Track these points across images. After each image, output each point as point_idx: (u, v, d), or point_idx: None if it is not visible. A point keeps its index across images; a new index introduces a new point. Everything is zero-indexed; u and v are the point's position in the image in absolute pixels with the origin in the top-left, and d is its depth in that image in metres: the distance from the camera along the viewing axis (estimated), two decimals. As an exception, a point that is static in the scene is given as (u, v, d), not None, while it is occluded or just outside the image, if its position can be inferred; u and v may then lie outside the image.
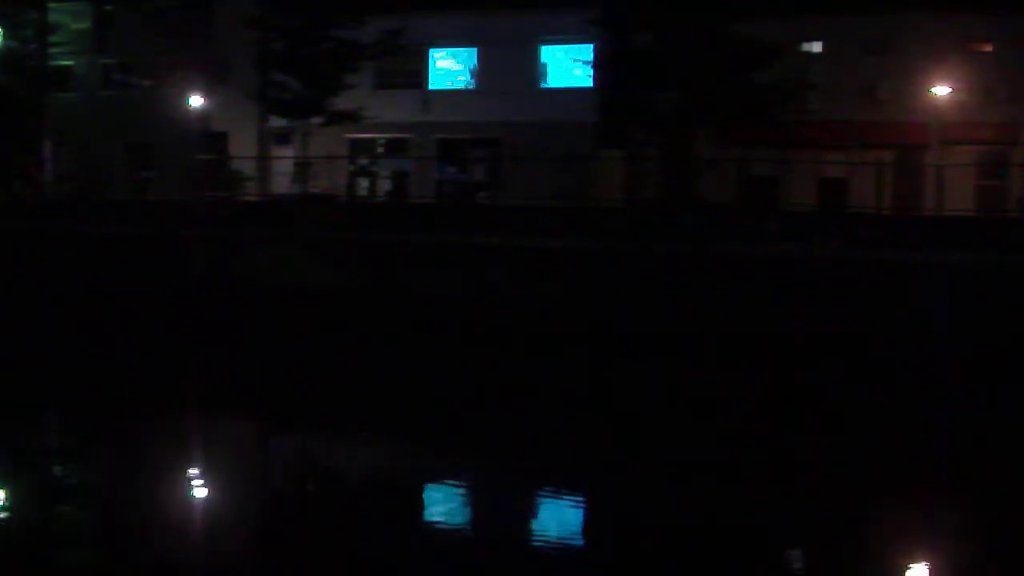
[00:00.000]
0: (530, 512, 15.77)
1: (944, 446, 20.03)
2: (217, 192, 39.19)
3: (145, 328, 29.56)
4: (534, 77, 43.11)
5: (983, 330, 23.92)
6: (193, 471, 17.56)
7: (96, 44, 47.51)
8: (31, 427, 20.47)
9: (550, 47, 43.03)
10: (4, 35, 44.87)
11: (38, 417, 21.53)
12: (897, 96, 39.72)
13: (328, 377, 24.96)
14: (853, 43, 40.35)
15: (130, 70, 47.43)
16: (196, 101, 42.52)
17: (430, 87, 44.42)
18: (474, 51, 44.01)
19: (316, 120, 38.96)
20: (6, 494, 15.97)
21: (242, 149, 43.98)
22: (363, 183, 45.53)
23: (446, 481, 17.38)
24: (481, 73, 43.98)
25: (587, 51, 40.68)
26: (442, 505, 16.08)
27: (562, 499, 16.60)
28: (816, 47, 41.62)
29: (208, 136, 43.61)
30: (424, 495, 16.68)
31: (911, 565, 13.92)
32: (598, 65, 39.23)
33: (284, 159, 43.33)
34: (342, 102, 38.47)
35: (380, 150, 45.42)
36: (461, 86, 44.56)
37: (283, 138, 43.78)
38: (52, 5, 46.60)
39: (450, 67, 44.65)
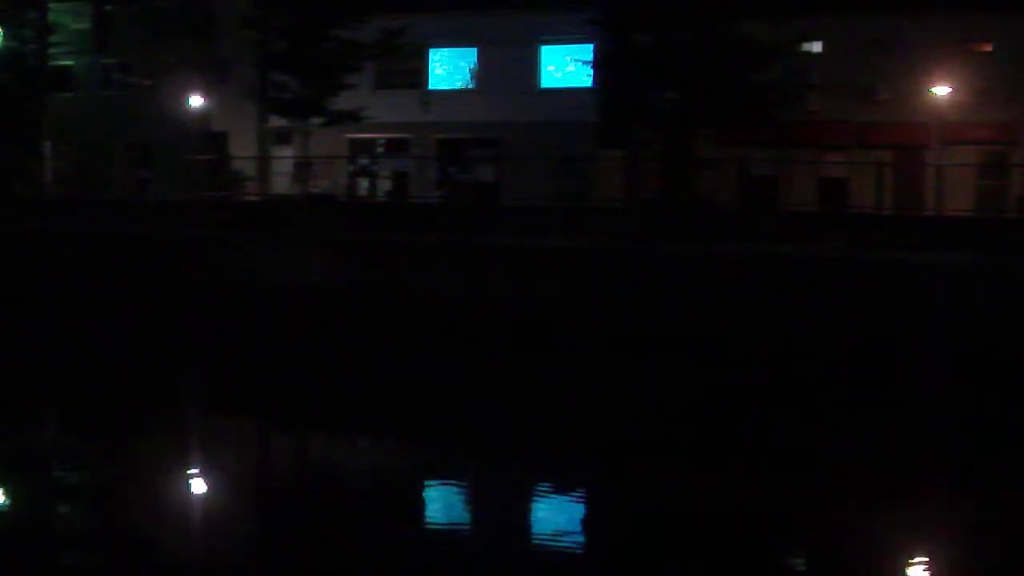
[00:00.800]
0: (529, 512, 15.78)
1: (944, 446, 20.04)
2: (217, 192, 39.19)
3: (145, 328, 29.55)
4: (534, 77, 43.12)
5: (983, 330, 23.91)
6: (192, 471, 17.56)
7: (96, 44, 47.49)
8: (31, 427, 20.48)
9: (550, 47, 43.04)
10: (4, 35, 44.87)
11: (38, 417, 21.54)
12: (897, 96, 39.70)
13: (328, 377, 24.96)
14: (853, 43, 40.32)
15: (130, 70, 47.40)
16: (196, 101, 42.52)
17: (430, 87, 44.43)
18: (474, 51, 44.01)
19: (316, 120, 38.95)
20: (8, 494, 15.98)
21: (242, 149, 43.97)
22: (363, 183, 45.52)
23: (445, 481, 17.38)
24: (481, 73, 43.98)
25: (587, 51, 40.70)
26: (441, 505, 16.09)
27: (562, 499, 16.61)
28: (816, 47, 41.58)
29: (208, 136, 43.61)
30: (424, 495, 16.69)
31: (911, 565, 13.93)
32: (598, 65, 39.22)
33: (284, 159, 43.32)
34: (342, 102, 38.46)
35: (380, 150, 45.41)
36: (461, 86, 44.57)
37: (283, 138, 43.77)
38: (52, 5, 46.59)
39: (449, 69, 44.71)
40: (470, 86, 44.37)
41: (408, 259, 29.51)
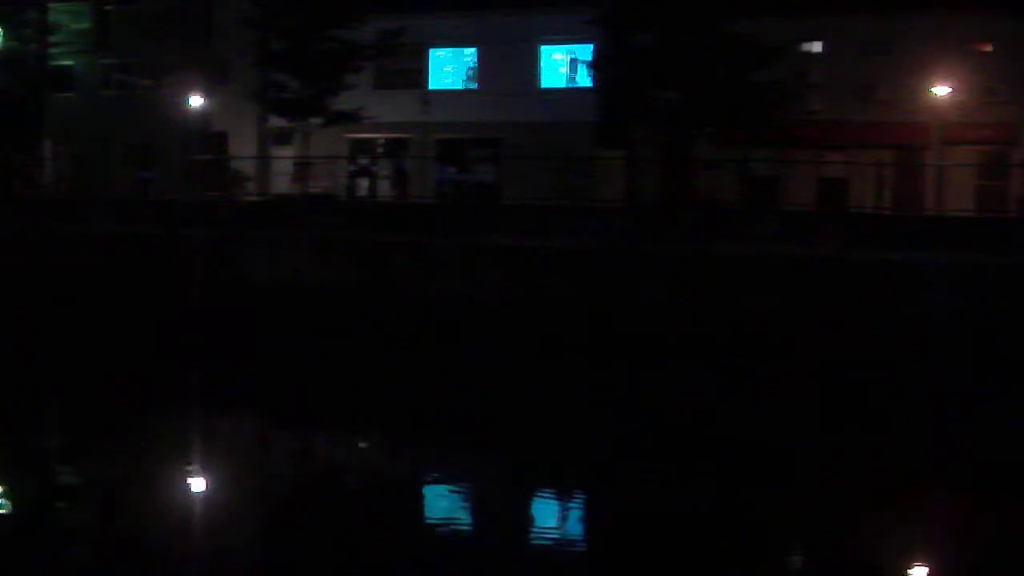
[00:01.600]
0: (529, 511, 15.78)
1: (943, 446, 20.03)
2: (217, 192, 39.19)
3: (145, 328, 29.54)
4: (534, 77, 43.11)
5: (982, 330, 23.91)
6: (193, 470, 17.56)
7: (96, 44, 47.46)
8: (31, 427, 20.49)
9: (550, 47, 43.04)
10: (4, 35, 44.86)
11: (38, 416, 21.54)
12: (897, 96, 39.70)
13: (328, 376, 24.97)
14: (853, 43, 40.33)
15: (130, 70, 47.40)
16: (196, 101, 42.50)
17: (430, 87, 44.42)
18: (474, 51, 44.00)
19: (316, 120, 38.94)
20: (10, 494, 15.98)
21: (242, 149, 43.97)
22: (363, 183, 45.49)
23: (444, 480, 17.39)
24: (481, 73, 43.97)
25: (587, 51, 40.66)
26: (441, 504, 16.09)
27: (561, 498, 16.61)
28: (816, 47, 41.58)
29: (208, 136, 43.59)
30: (423, 494, 16.69)
31: (910, 565, 13.93)
32: (598, 65, 39.21)
33: (284, 159, 43.31)
34: (342, 102, 38.44)
35: (380, 150, 45.39)
36: (461, 86, 44.57)
37: (283, 138, 43.75)
38: (52, 5, 46.58)
39: (449, 69, 44.70)
40: (470, 86, 44.36)
41: (408, 259, 29.52)
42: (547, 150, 37.28)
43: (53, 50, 46.15)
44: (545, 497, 16.68)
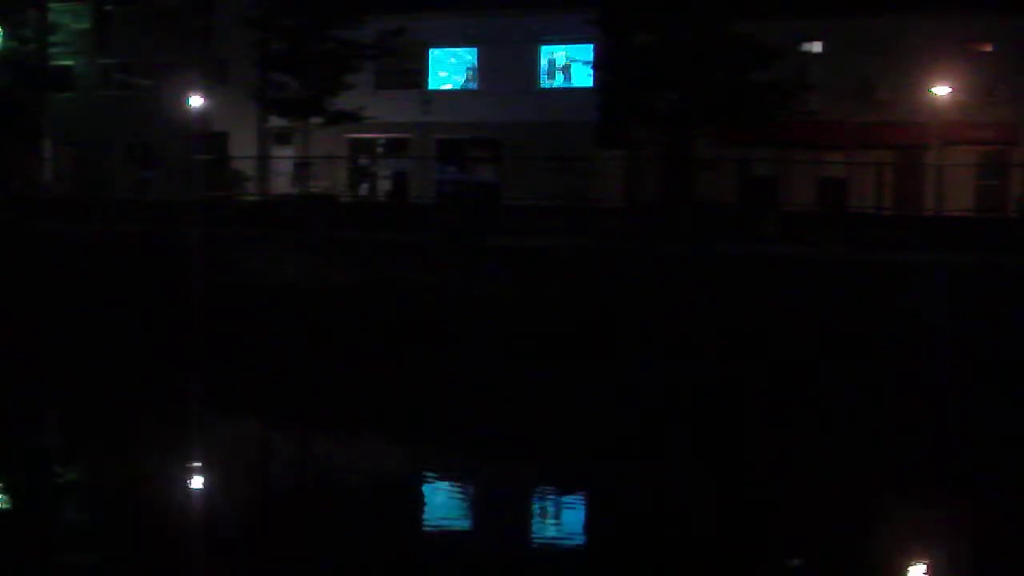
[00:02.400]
0: (527, 511, 15.78)
1: (943, 446, 20.03)
2: (217, 192, 39.18)
3: (144, 328, 29.55)
4: (534, 77, 43.11)
5: (982, 330, 23.90)
6: (193, 469, 17.56)
7: (96, 44, 47.46)
8: (31, 427, 20.49)
9: (550, 47, 43.04)
10: (4, 35, 44.85)
11: (38, 416, 21.54)
12: (897, 96, 39.67)
13: (327, 376, 24.97)
14: (853, 43, 40.30)
15: (130, 70, 47.39)
16: (196, 101, 42.49)
17: (430, 87, 44.42)
18: (474, 51, 44.00)
19: (316, 120, 38.93)
20: (10, 493, 15.99)
21: (242, 149, 43.96)
22: (363, 183, 45.48)
23: (444, 480, 17.39)
24: (481, 73, 43.97)
25: (587, 51, 40.65)
26: (441, 504, 16.08)
27: (560, 498, 16.61)
28: (816, 47, 41.55)
29: (208, 136, 43.58)
30: (423, 494, 16.69)
31: (911, 565, 13.93)
32: (598, 65, 39.21)
33: (284, 159, 43.30)
34: (342, 102, 38.44)
35: (380, 150, 45.39)
36: (461, 86, 44.57)
37: (283, 138, 43.75)
38: (52, 5, 46.57)
39: (449, 69, 44.70)
40: (470, 86, 44.36)
41: (408, 259, 29.51)
42: (547, 150, 37.29)
43: (53, 50, 46.13)
44: (544, 497, 16.68)
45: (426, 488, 17.16)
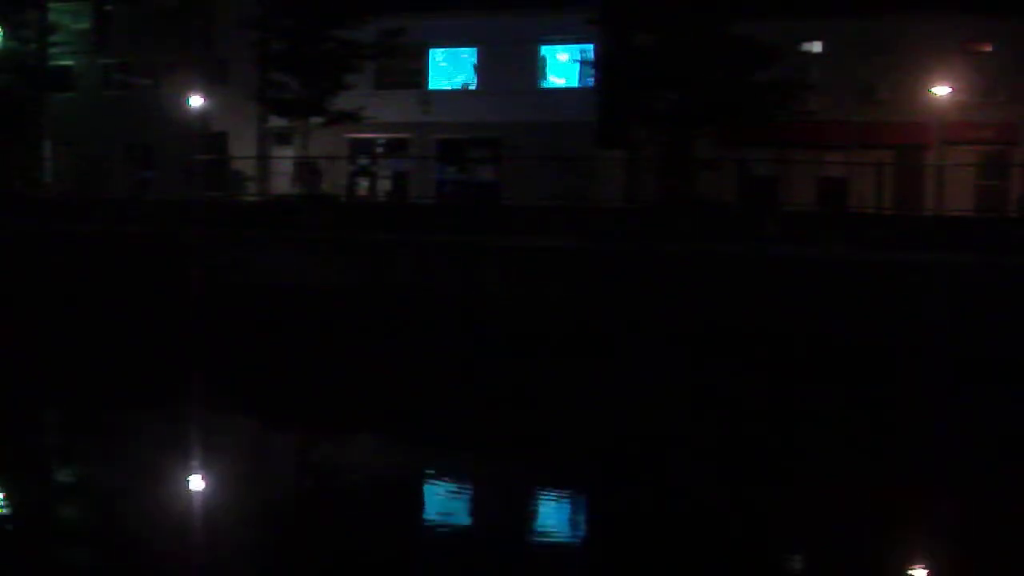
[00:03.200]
0: (527, 511, 15.78)
1: (943, 446, 20.03)
2: (217, 192, 39.16)
3: (145, 328, 29.55)
4: (534, 77, 43.10)
5: (982, 330, 23.91)
6: (193, 469, 17.57)
7: (96, 44, 47.47)
8: (30, 426, 20.49)
9: (550, 47, 43.03)
10: (4, 35, 44.85)
11: (38, 416, 21.55)
12: (897, 96, 39.70)
13: (328, 376, 24.97)
14: (853, 43, 40.31)
15: (130, 70, 47.40)
16: (196, 101, 42.50)
17: (430, 87, 44.41)
18: (474, 51, 44.00)
19: (316, 120, 38.94)
20: (9, 494, 15.99)
21: (242, 149, 43.97)
22: (363, 183, 45.48)
23: (444, 480, 17.39)
24: (481, 73, 43.97)
25: (587, 51, 40.63)
26: (441, 504, 16.08)
27: (560, 498, 16.61)
28: (816, 47, 41.58)
29: (208, 136, 43.59)
30: (423, 494, 16.69)
31: (910, 565, 13.93)
32: (598, 65, 39.21)
33: (284, 159, 43.30)
34: (342, 102, 38.44)
35: (380, 150, 45.38)
36: (461, 86, 44.57)
37: (283, 138, 43.74)
38: (52, 5, 46.56)
39: (449, 69, 44.70)
40: (470, 86, 44.36)
41: (408, 259, 29.52)
42: (547, 150, 37.29)
43: (53, 50, 46.13)
44: (544, 497, 16.67)
45: (426, 488, 17.16)
